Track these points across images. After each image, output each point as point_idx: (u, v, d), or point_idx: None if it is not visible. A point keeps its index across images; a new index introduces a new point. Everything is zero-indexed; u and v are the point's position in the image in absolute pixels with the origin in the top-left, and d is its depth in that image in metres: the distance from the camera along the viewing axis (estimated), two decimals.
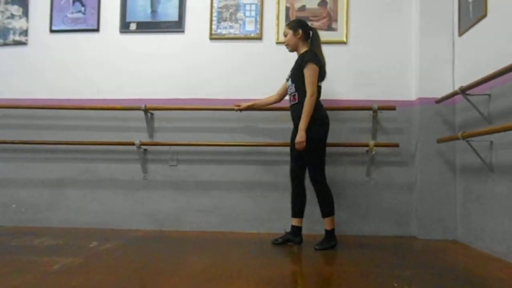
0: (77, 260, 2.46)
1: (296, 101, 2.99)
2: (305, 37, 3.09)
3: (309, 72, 2.91)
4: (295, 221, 3.09)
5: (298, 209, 3.09)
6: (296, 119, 3.00)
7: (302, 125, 2.88)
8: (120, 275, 2.23)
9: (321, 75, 3.02)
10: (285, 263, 2.60)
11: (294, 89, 3.02)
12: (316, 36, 3.10)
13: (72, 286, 1.97)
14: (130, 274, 2.28)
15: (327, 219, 2.99)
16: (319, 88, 3.01)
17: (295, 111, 3.00)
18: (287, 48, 3.15)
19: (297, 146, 2.89)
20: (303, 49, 3.08)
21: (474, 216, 3.06)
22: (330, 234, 2.98)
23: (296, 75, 3.01)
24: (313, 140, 2.90)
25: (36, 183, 3.80)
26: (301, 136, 2.87)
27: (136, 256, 2.80)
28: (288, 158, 3.40)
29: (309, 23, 3.65)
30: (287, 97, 3.20)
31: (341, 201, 3.57)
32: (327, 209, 2.99)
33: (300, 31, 3.06)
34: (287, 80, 3.14)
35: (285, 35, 3.12)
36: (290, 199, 3.13)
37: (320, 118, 2.96)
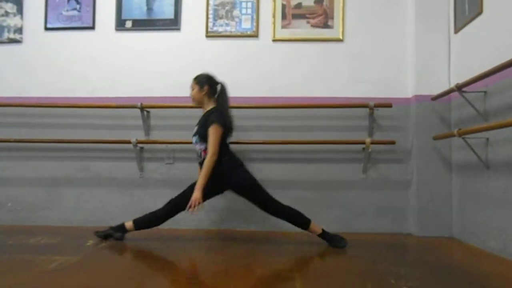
0: (74, 259, 2.45)
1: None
2: (211, 93, 3.05)
3: (213, 132, 2.86)
4: (129, 226, 3.01)
5: (144, 224, 3.02)
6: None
7: (200, 184, 2.80)
8: (117, 274, 2.22)
9: (229, 132, 3.01)
10: (281, 260, 2.60)
11: (205, 146, 2.94)
12: (224, 91, 3.07)
13: (69, 285, 1.96)
14: (127, 273, 2.28)
15: (311, 228, 2.94)
16: (226, 145, 2.99)
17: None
18: (193, 102, 3.11)
19: (191, 204, 2.76)
20: (209, 105, 3.04)
21: (470, 213, 3.07)
22: (327, 234, 2.96)
23: (204, 134, 2.93)
24: (245, 182, 2.91)
25: (32, 181, 3.79)
26: (197, 196, 2.77)
27: (133, 254, 2.80)
28: (288, 156, 3.47)
29: (305, 21, 3.68)
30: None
31: (337, 199, 3.58)
32: (303, 221, 2.94)
33: (206, 87, 3.03)
34: (194, 135, 3.05)
35: (192, 89, 3.09)
36: (153, 213, 3.03)
37: (236, 161, 2.99)
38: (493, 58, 2.65)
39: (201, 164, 2.99)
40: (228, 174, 2.91)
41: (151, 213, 3.04)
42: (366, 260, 2.60)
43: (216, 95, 3.07)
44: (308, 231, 2.96)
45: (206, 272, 2.36)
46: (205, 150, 2.93)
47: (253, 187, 2.93)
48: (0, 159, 3.81)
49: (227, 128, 2.96)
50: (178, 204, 2.95)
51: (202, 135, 2.96)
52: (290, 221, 2.97)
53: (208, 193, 2.89)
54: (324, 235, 2.95)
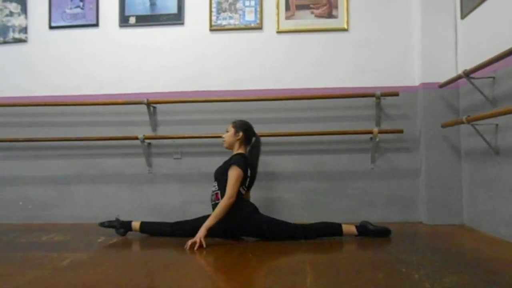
0: (86, 255, 2.48)
1: (219, 200, 2.87)
2: (245, 141, 3.04)
3: (232, 173, 2.82)
4: (136, 227, 3.06)
5: (149, 230, 3.07)
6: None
7: (208, 223, 2.69)
8: (129, 269, 2.24)
9: (247, 182, 2.94)
10: (292, 251, 2.61)
11: (217, 187, 2.93)
12: (257, 144, 3.08)
13: (82, 281, 1.98)
14: (138, 268, 2.29)
15: (345, 231, 2.87)
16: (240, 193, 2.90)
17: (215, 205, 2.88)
18: (223, 144, 3.10)
19: (193, 242, 2.60)
20: (237, 151, 3.02)
21: (481, 200, 3.05)
22: (364, 228, 2.90)
23: (221, 174, 2.93)
24: (257, 225, 2.85)
25: (42, 180, 3.82)
26: (201, 235, 2.62)
27: (144, 249, 2.82)
28: (296, 148, 3.50)
29: (309, 11, 3.66)
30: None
31: (346, 189, 3.58)
32: (334, 228, 2.89)
33: (241, 134, 3.02)
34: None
35: (226, 131, 3.09)
36: (160, 224, 3.08)
37: (247, 208, 2.91)
38: (501, 43, 2.62)
39: (213, 207, 2.94)
40: (248, 218, 2.85)
41: (159, 224, 3.10)
42: (377, 249, 2.60)
43: (249, 146, 3.06)
44: (347, 233, 2.87)
45: (218, 265, 2.37)
46: (217, 193, 2.92)
47: (268, 226, 2.86)
48: (9, 159, 3.85)
49: (247, 174, 2.90)
50: (184, 229, 2.96)
51: (219, 175, 2.95)
52: (323, 235, 2.89)
53: (222, 233, 2.87)
54: (361, 230, 2.87)
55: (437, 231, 3.11)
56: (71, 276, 2.05)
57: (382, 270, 2.09)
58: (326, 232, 2.91)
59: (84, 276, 2.05)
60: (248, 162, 2.95)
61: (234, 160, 2.89)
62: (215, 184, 2.98)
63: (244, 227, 2.86)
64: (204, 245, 2.59)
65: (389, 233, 2.89)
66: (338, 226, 2.89)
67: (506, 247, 2.55)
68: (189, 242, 2.61)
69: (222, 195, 2.85)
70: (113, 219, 3.14)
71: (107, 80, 3.81)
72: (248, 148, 3.08)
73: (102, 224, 3.10)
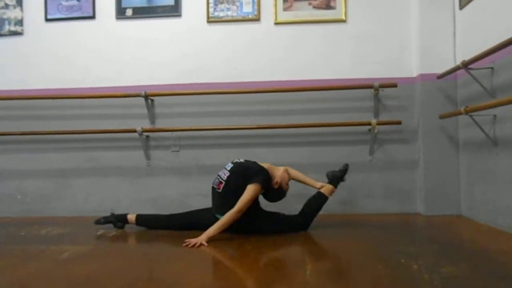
0: (85, 248, 2.48)
1: (219, 190, 2.78)
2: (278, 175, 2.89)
3: (251, 189, 2.66)
4: (131, 219, 3.04)
5: (145, 223, 3.05)
6: (215, 206, 2.84)
7: (211, 232, 2.58)
8: (129, 261, 2.25)
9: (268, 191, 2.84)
10: (291, 243, 2.62)
11: (225, 177, 2.77)
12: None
13: (82, 273, 1.98)
14: (138, 260, 2.30)
15: (328, 192, 2.93)
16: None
17: (215, 197, 2.83)
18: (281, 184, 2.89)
19: (193, 243, 2.49)
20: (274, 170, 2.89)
21: (478, 190, 3.07)
22: (334, 178, 3.01)
23: (241, 174, 2.76)
24: (257, 221, 2.81)
25: (40, 173, 3.81)
26: (202, 239, 2.51)
27: (143, 242, 2.83)
28: (294, 140, 3.49)
29: (307, 2, 3.65)
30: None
31: (345, 181, 3.58)
32: (320, 199, 2.91)
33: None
34: (231, 162, 2.89)
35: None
36: (157, 217, 3.08)
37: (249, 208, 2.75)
38: (499, 33, 2.61)
39: (213, 189, 2.86)
40: (249, 215, 2.74)
41: (154, 216, 3.09)
42: (376, 240, 2.61)
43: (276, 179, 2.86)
44: (330, 194, 2.95)
45: (218, 257, 2.38)
46: (222, 183, 2.77)
47: (263, 221, 2.85)
48: (6, 152, 3.84)
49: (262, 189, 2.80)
50: (180, 222, 2.95)
51: (238, 173, 2.77)
52: (316, 211, 2.91)
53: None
54: (334, 181, 3.00)
55: (435, 222, 3.13)
56: (71, 269, 2.06)
57: (381, 261, 2.10)
58: (318, 206, 2.92)
59: (84, 269, 2.05)
60: (269, 183, 2.82)
61: (262, 178, 2.73)
62: (228, 173, 2.80)
63: (244, 222, 2.77)
64: (206, 245, 2.51)
65: (347, 166, 3.08)
66: (321, 194, 2.92)
67: (503, 237, 2.56)
68: (192, 241, 2.52)
69: (224, 189, 2.76)
70: (108, 214, 3.12)
71: (104, 73, 3.78)
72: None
73: (98, 222, 3.06)
